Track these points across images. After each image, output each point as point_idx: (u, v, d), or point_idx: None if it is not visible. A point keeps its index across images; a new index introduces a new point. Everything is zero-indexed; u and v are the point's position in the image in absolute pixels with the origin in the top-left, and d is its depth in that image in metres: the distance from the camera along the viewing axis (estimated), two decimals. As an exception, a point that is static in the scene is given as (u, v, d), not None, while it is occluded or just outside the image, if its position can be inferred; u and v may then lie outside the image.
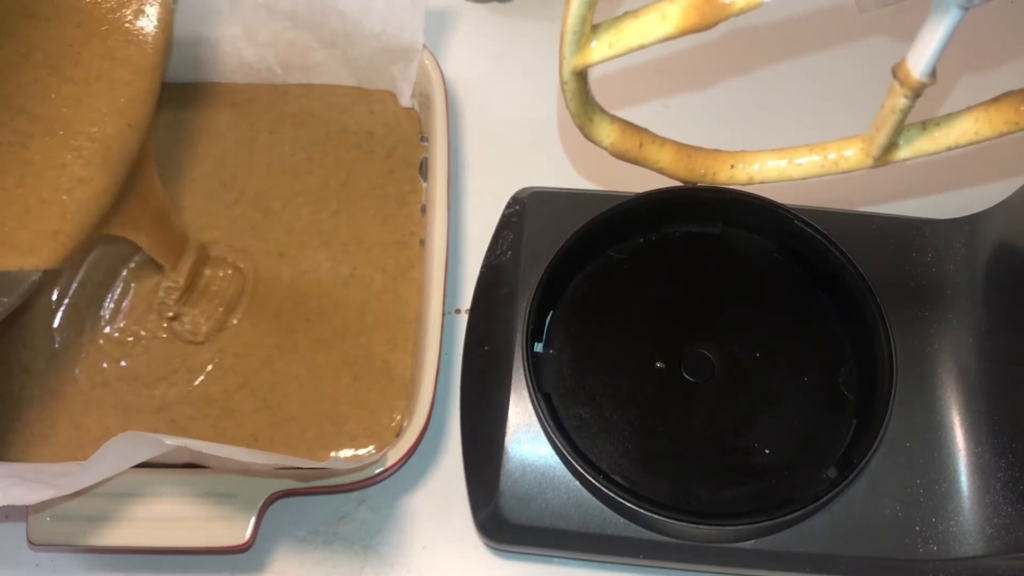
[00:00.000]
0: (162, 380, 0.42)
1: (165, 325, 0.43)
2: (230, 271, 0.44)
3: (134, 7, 0.35)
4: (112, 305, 0.43)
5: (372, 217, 0.45)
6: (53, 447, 0.40)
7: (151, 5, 0.35)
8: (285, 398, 0.41)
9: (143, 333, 0.43)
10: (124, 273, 0.44)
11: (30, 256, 0.33)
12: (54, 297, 0.43)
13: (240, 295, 0.43)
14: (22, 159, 0.33)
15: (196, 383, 0.42)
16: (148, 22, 0.35)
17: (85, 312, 0.43)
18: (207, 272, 0.44)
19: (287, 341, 0.42)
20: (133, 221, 0.37)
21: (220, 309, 0.43)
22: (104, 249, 0.44)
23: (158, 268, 0.43)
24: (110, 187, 0.34)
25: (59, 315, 0.43)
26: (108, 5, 0.34)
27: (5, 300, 0.33)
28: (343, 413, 0.41)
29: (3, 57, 0.33)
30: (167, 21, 0.35)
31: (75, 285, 0.43)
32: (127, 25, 0.35)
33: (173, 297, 0.43)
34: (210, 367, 0.42)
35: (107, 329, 0.43)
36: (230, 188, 0.46)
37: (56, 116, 0.34)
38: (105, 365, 0.42)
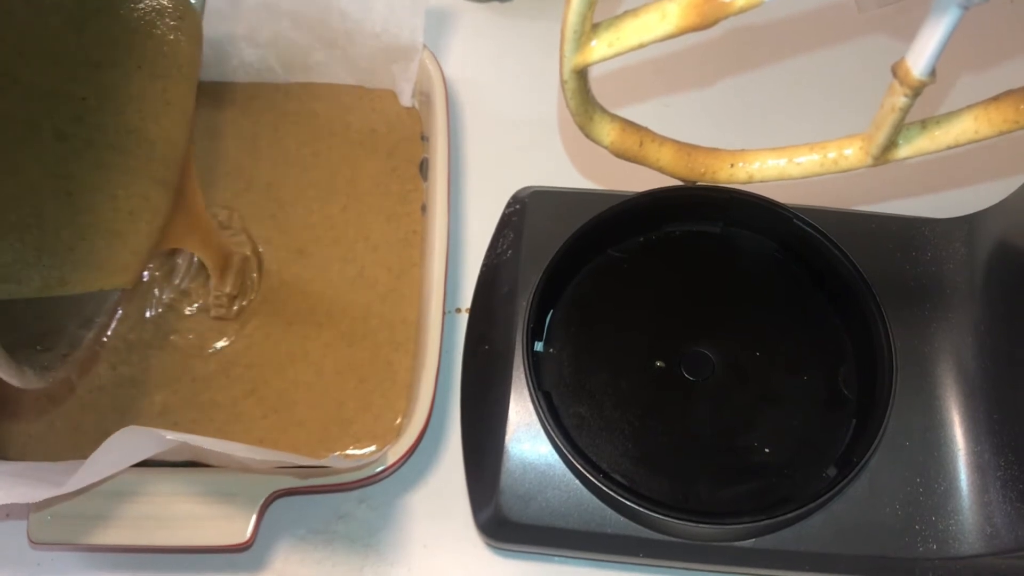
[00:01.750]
0: (163, 387, 0.42)
1: (171, 338, 0.43)
2: (255, 275, 0.44)
3: (166, 27, 0.36)
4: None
5: (377, 214, 0.45)
6: (51, 449, 0.40)
7: (181, 20, 0.36)
8: (294, 404, 0.41)
9: (139, 341, 0.43)
10: None
11: (120, 276, 0.34)
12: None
13: (261, 304, 0.43)
14: (105, 184, 0.35)
15: (201, 392, 0.42)
16: (183, 37, 0.36)
17: None
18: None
19: (298, 348, 0.42)
20: (185, 231, 0.38)
21: (235, 323, 0.43)
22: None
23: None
24: (170, 202, 0.36)
25: None
26: (147, 30, 0.36)
27: (99, 320, 0.34)
28: (349, 417, 0.41)
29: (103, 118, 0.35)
30: (199, 36, 0.37)
31: None
32: (168, 49, 0.36)
33: (223, 302, 0.43)
34: (217, 377, 0.42)
35: (101, 335, 0.43)
36: (237, 178, 0.46)
37: (128, 142, 0.35)
38: (101, 370, 0.42)
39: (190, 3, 0.36)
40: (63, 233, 0.33)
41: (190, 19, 0.36)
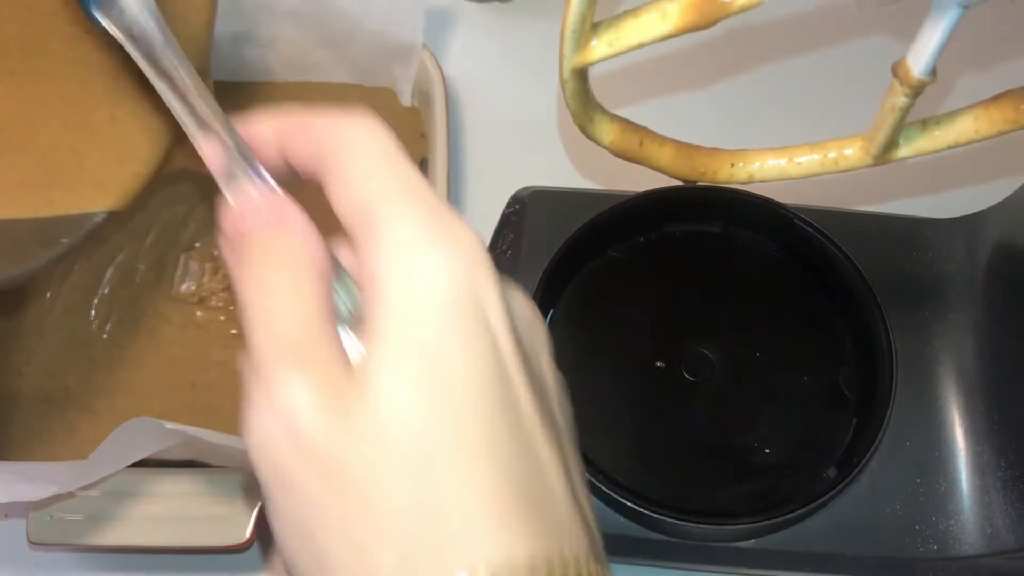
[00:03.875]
0: (160, 393, 0.41)
1: (170, 349, 0.42)
2: None
3: None
4: (96, 313, 0.43)
5: None
6: (49, 450, 0.40)
7: None
8: None
9: (135, 346, 0.42)
10: (109, 274, 0.43)
11: (115, 198, 0.32)
12: (47, 296, 0.43)
13: None
14: (99, 92, 0.33)
15: (201, 397, 0.41)
16: None
17: (74, 316, 0.42)
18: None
19: None
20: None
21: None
22: (92, 250, 0.44)
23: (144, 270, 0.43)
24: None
25: (50, 317, 0.42)
26: None
27: (64, 241, 0.32)
28: None
29: None
30: None
31: (66, 286, 0.43)
32: None
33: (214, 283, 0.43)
34: (219, 384, 0.42)
35: (95, 336, 0.42)
36: None
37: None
38: (97, 373, 0.42)
39: None
40: (82, 148, 0.32)
41: None
